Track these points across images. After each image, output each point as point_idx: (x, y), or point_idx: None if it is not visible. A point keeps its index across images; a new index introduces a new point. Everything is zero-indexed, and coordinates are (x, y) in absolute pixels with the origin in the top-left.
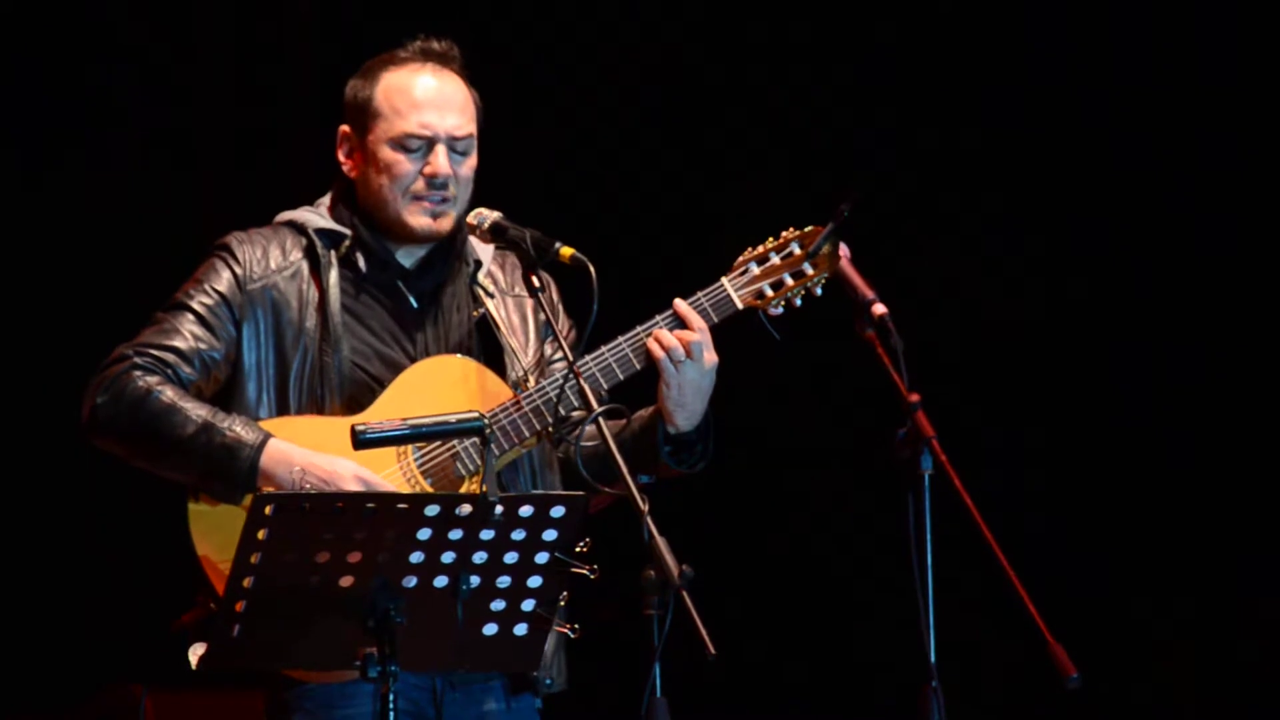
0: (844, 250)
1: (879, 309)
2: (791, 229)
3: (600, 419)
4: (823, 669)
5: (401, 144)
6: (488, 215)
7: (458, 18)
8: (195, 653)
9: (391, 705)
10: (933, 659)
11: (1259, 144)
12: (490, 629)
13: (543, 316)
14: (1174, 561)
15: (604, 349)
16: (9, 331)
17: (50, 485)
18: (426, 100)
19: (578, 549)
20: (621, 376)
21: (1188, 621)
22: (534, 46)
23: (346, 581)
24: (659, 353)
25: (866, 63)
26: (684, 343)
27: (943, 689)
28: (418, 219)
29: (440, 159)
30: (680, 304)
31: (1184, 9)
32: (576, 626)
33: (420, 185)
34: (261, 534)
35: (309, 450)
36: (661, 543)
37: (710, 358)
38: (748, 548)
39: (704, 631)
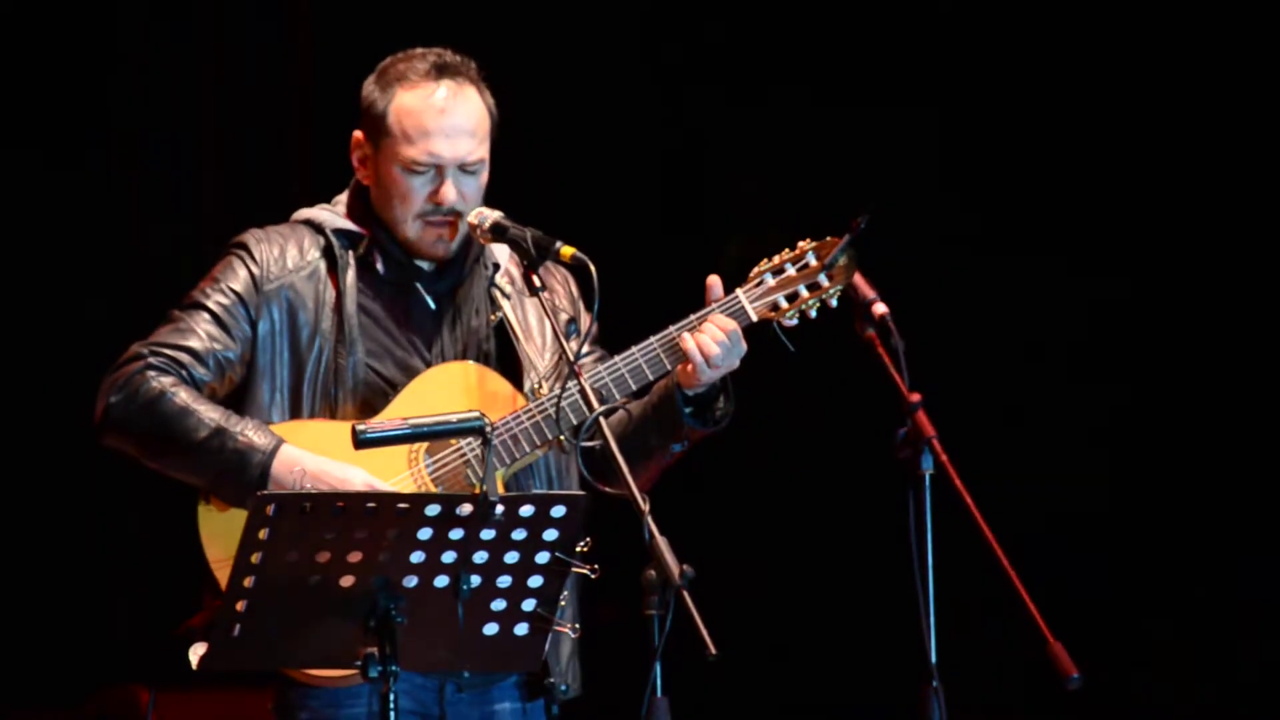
0: None
1: (880, 309)
2: (808, 240)
3: (601, 420)
4: (823, 669)
5: (409, 169)
6: (489, 215)
7: (457, 18)
8: (195, 652)
9: (392, 705)
10: (933, 659)
11: (1260, 144)
12: (491, 629)
13: (564, 317)
14: (1174, 561)
15: (634, 349)
16: (11, 331)
17: (53, 484)
18: (437, 128)
19: (578, 548)
20: (651, 377)
21: (1188, 621)
22: (535, 45)
23: (347, 581)
24: (697, 357)
25: (872, 65)
26: (719, 341)
27: (943, 689)
28: (425, 241)
29: (448, 188)
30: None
31: (1178, 7)
32: (577, 626)
33: (428, 208)
34: (263, 533)
35: (321, 457)
36: (662, 542)
37: (742, 348)
38: (748, 547)
39: (705, 631)
